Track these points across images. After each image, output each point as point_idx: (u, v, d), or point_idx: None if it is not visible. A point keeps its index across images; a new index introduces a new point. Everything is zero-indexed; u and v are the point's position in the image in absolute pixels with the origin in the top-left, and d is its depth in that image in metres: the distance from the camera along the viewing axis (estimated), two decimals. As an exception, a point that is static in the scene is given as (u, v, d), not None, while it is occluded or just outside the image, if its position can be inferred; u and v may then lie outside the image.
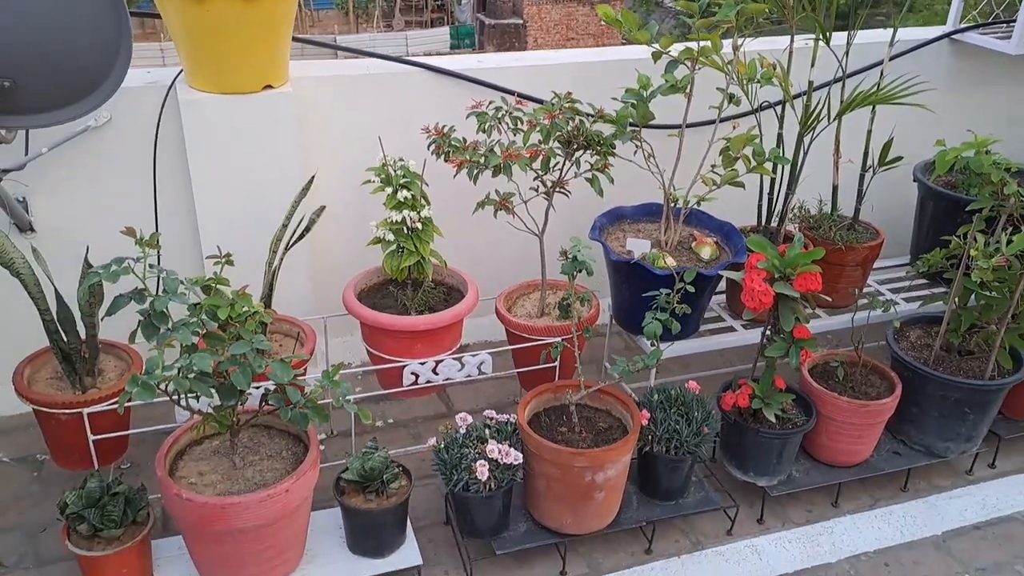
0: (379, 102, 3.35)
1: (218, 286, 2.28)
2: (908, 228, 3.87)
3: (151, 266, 2.15)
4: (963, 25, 4.06)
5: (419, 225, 2.94)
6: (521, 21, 31.27)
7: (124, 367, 2.82)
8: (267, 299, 2.88)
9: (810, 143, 3.22)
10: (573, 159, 2.99)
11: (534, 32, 31.22)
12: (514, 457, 2.53)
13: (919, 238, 3.79)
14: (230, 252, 2.32)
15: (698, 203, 3.12)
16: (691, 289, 2.66)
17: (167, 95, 3.02)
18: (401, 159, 2.98)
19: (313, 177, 2.95)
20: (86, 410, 2.57)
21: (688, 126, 3.00)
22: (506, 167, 2.85)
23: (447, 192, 3.01)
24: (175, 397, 2.18)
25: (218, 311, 2.20)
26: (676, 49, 2.93)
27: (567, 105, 2.95)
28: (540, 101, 3.28)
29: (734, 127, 3.04)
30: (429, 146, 2.96)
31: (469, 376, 2.98)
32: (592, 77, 3.44)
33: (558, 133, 2.90)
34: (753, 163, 2.99)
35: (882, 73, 3.30)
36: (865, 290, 3.55)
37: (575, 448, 2.56)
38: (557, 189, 3.02)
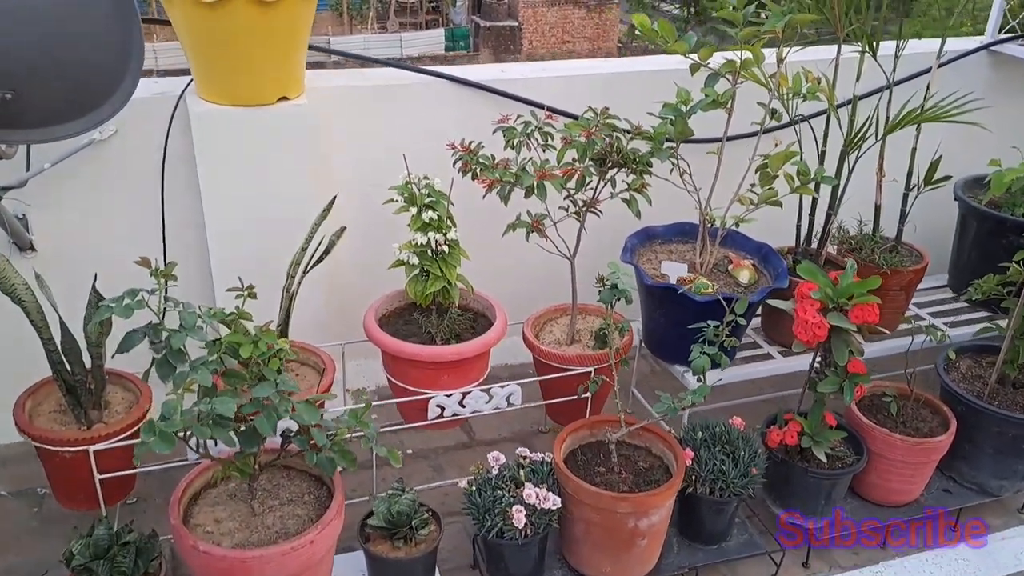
0: (397, 114, 3.19)
1: (240, 320, 2.10)
2: (944, 247, 3.71)
3: (166, 299, 1.98)
4: (1002, 36, 3.92)
5: (445, 248, 2.76)
6: (516, 23, 31.15)
7: (132, 399, 2.63)
8: (284, 326, 2.70)
9: (855, 161, 3.06)
10: (607, 178, 2.82)
11: (529, 34, 31.10)
12: (552, 502, 2.35)
13: (959, 258, 3.63)
14: (252, 284, 2.14)
15: (736, 224, 2.95)
16: (742, 322, 2.50)
17: (176, 106, 2.86)
18: (426, 177, 2.79)
19: (335, 198, 2.76)
20: (92, 448, 2.38)
21: (728, 139, 2.84)
22: (540, 187, 2.68)
23: (466, 209, 2.85)
24: (192, 444, 2.01)
25: (240, 348, 2.02)
26: (716, 61, 2.77)
27: (604, 121, 2.78)
28: (568, 114, 3.12)
29: (776, 144, 2.87)
30: (455, 163, 2.79)
31: (497, 408, 2.80)
32: (619, 89, 3.30)
33: (593, 151, 2.73)
34: (797, 182, 2.84)
35: (928, 87, 3.15)
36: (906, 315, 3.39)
37: (617, 492, 2.39)
38: (590, 209, 2.85)
